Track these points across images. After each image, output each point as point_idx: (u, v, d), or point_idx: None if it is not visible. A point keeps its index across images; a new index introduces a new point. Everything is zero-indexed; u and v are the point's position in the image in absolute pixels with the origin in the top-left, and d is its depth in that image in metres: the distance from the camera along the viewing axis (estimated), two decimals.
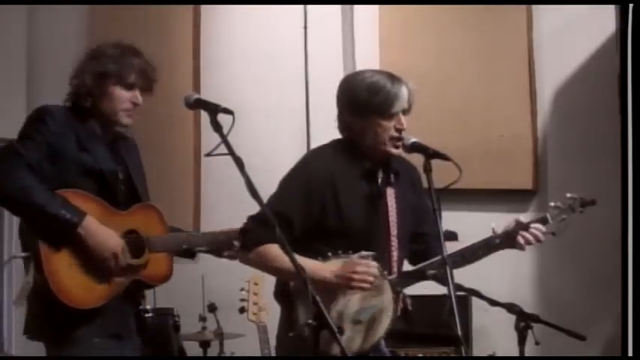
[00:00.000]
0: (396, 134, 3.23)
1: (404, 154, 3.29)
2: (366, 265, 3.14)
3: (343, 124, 3.32)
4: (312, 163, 3.31)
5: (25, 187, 3.07)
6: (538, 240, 3.33)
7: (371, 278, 3.13)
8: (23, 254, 3.16)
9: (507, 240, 3.33)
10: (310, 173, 3.25)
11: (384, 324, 3.19)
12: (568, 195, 3.49)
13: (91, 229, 3.12)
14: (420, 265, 3.27)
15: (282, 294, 3.24)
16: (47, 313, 3.11)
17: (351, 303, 3.16)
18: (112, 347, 3.20)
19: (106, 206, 3.22)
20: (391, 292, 3.19)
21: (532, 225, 3.33)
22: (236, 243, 3.39)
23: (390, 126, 3.22)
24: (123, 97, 3.31)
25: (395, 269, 3.26)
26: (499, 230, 3.34)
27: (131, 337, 3.32)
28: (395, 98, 3.21)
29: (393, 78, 3.26)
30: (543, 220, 3.39)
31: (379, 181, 3.31)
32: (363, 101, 3.23)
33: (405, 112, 3.25)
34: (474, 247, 3.30)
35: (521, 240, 3.31)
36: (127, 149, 3.44)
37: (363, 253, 3.17)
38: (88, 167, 3.22)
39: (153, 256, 3.28)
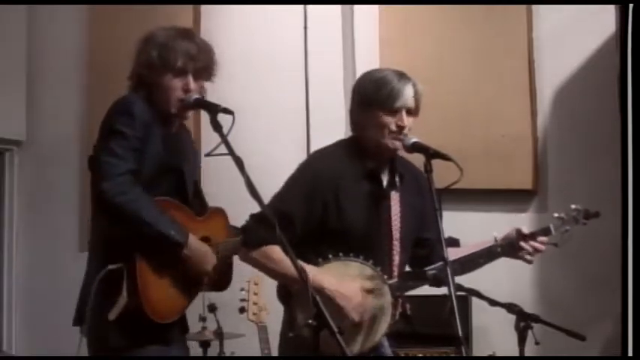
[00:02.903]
0: (395, 129, 3.23)
1: (405, 155, 3.29)
2: (369, 305, 3.14)
3: (351, 119, 3.34)
4: (317, 163, 3.31)
5: (136, 201, 2.95)
6: (538, 251, 3.34)
7: (366, 318, 3.14)
8: (113, 266, 3.02)
9: (509, 249, 3.33)
10: (314, 173, 3.26)
11: (382, 327, 3.19)
12: (572, 206, 3.47)
13: (194, 250, 3.07)
14: (423, 269, 3.26)
15: (284, 294, 3.24)
16: (129, 322, 3.03)
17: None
18: (160, 353, 3.15)
19: (188, 214, 3.16)
20: (390, 296, 3.20)
21: (535, 236, 3.33)
22: None
23: (391, 121, 3.22)
24: (174, 85, 3.07)
25: (395, 273, 3.26)
26: (501, 239, 3.34)
27: (178, 340, 3.27)
28: (398, 94, 3.21)
29: (402, 76, 3.27)
30: (546, 231, 3.39)
31: (384, 183, 3.31)
32: (369, 94, 3.25)
33: (411, 112, 3.25)
34: (476, 255, 3.30)
35: (525, 255, 3.32)
36: (188, 143, 3.32)
37: (363, 260, 3.18)
38: (171, 166, 3.12)
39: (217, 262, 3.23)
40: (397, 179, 3.32)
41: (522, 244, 3.31)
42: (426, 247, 3.38)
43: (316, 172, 3.26)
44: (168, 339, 3.20)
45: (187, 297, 3.19)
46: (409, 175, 3.36)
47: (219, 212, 3.34)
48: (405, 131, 3.23)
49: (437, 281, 3.07)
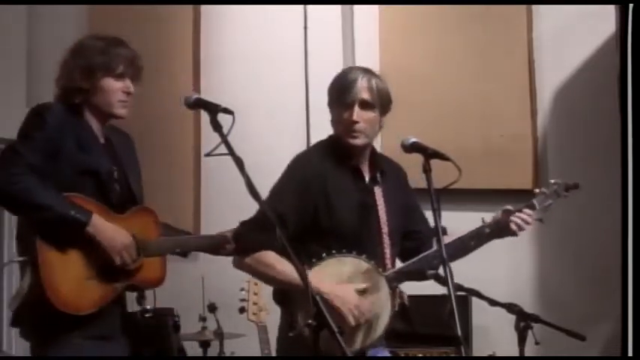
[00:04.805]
0: (348, 124, 3.23)
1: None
2: (366, 306, 3.14)
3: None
4: (303, 164, 3.32)
5: (29, 188, 3.02)
6: (527, 223, 3.37)
7: (363, 320, 3.14)
8: (20, 258, 3.12)
9: (497, 229, 3.36)
10: (302, 174, 3.28)
11: (384, 321, 3.21)
12: (552, 181, 3.56)
13: (100, 227, 3.09)
14: (415, 258, 3.28)
15: (281, 296, 3.25)
16: (35, 315, 3.07)
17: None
18: (96, 349, 3.14)
19: (105, 210, 3.18)
20: (387, 288, 3.21)
21: (522, 210, 3.38)
22: (229, 246, 3.37)
23: (344, 117, 3.24)
24: (115, 87, 3.25)
25: (389, 266, 3.29)
26: (488, 220, 3.38)
27: (117, 339, 3.25)
28: (348, 88, 3.23)
29: (358, 70, 3.30)
30: (531, 206, 3.43)
31: (366, 178, 3.34)
32: (329, 93, 3.32)
33: (367, 105, 3.24)
34: (465, 237, 3.33)
35: (513, 226, 3.35)
36: (124, 146, 3.39)
37: (356, 255, 3.19)
38: (86, 167, 3.18)
39: (147, 259, 3.23)
40: (378, 175, 3.35)
41: (512, 218, 3.35)
42: (415, 239, 3.40)
43: (305, 173, 3.27)
44: (106, 334, 3.19)
45: (107, 289, 3.15)
46: (390, 171, 3.40)
47: (146, 211, 3.33)
48: (361, 126, 3.23)
49: (438, 280, 3.07)
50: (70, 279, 3.07)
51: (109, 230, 3.12)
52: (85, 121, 3.26)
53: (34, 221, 3.07)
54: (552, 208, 3.44)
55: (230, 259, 3.35)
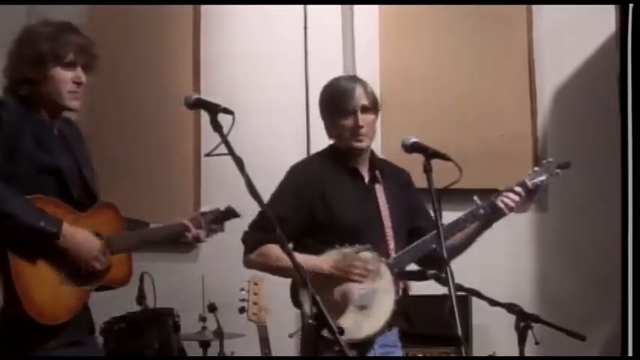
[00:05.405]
0: (354, 130, 3.38)
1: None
2: (363, 260, 3.26)
3: (325, 129, 3.51)
4: (300, 171, 3.47)
5: None
6: (517, 202, 3.42)
7: (367, 273, 3.27)
8: None
9: (491, 210, 3.43)
10: (299, 179, 3.42)
11: (389, 306, 3.29)
12: (544, 161, 3.63)
13: (70, 237, 2.92)
14: (413, 244, 3.36)
15: (296, 298, 3.31)
16: (9, 329, 2.91)
17: (354, 289, 3.27)
18: (73, 354, 3.03)
19: (70, 210, 3.02)
20: (390, 274, 3.29)
21: (513, 188, 3.44)
22: (189, 234, 3.32)
23: (348, 123, 3.38)
24: (65, 77, 3.04)
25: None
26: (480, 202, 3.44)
27: (87, 342, 3.13)
28: (348, 97, 3.39)
29: (350, 79, 3.49)
30: (521, 185, 3.48)
31: (366, 179, 3.45)
32: (324, 103, 3.47)
33: (368, 110, 3.41)
34: (460, 219, 3.43)
35: (500, 204, 3.41)
36: (74, 138, 3.20)
37: (359, 246, 3.29)
38: (46, 165, 3.00)
39: (113, 257, 3.08)
40: (378, 174, 3.47)
41: (501, 198, 3.41)
42: (420, 235, 3.44)
43: (301, 178, 3.42)
44: (77, 339, 3.07)
45: (81, 293, 3.02)
46: (390, 171, 3.52)
47: (108, 206, 3.17)
48: (365, 130, 3.39)
49: (438, 279, 3.09)
50: (45, 288, 2.92)
51: (79, 238, 2.96)
52: (39, 116, 3.06)
53: (1, 232, 2.86)
54: (552, 208, 3.45)
55: (230, 258, 3.38)
